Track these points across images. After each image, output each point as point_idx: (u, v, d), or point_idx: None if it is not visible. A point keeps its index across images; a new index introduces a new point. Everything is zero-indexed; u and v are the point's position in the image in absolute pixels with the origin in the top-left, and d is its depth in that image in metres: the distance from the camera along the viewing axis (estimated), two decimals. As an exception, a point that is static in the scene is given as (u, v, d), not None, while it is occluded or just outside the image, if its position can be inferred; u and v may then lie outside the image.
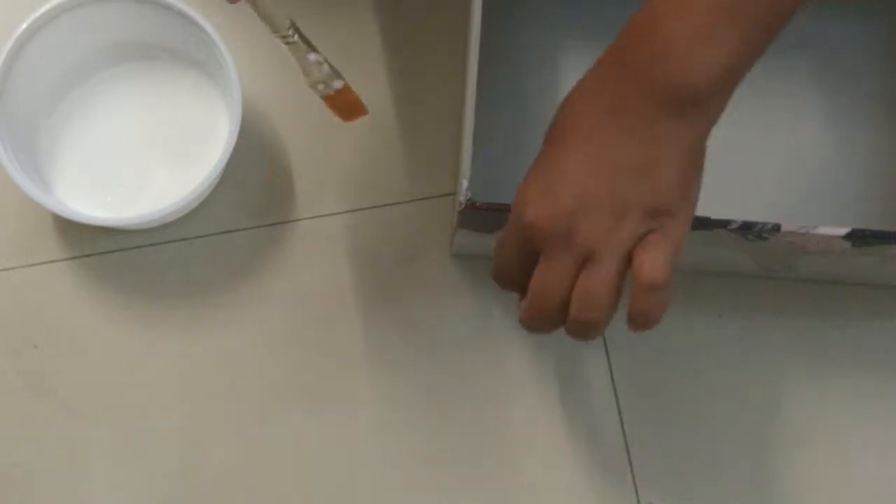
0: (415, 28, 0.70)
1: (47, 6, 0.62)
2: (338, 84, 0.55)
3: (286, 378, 0.65)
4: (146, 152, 0.67)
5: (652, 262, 0.44)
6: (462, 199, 0.53)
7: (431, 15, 0.70)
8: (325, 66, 0.55)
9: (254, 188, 0.68)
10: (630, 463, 0.64)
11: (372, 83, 0.69)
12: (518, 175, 0.48)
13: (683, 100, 0.43)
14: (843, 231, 0.53)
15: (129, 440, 0.64)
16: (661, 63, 0.43)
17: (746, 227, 0.53)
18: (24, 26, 0.61)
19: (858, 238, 0.53)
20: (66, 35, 0.63)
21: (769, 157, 0.67)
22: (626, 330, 0.62)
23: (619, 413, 0.65)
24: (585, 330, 0.47)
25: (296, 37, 0.53)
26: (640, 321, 0.46)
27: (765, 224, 0.53)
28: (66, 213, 0.61)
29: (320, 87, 0.56)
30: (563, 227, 0.45)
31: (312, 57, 0.54)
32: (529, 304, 0.47)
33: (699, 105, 0.44)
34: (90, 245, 0.66)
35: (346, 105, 0.58)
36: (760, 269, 0.64)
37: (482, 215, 0.54)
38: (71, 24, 0.63)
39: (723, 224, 0.53)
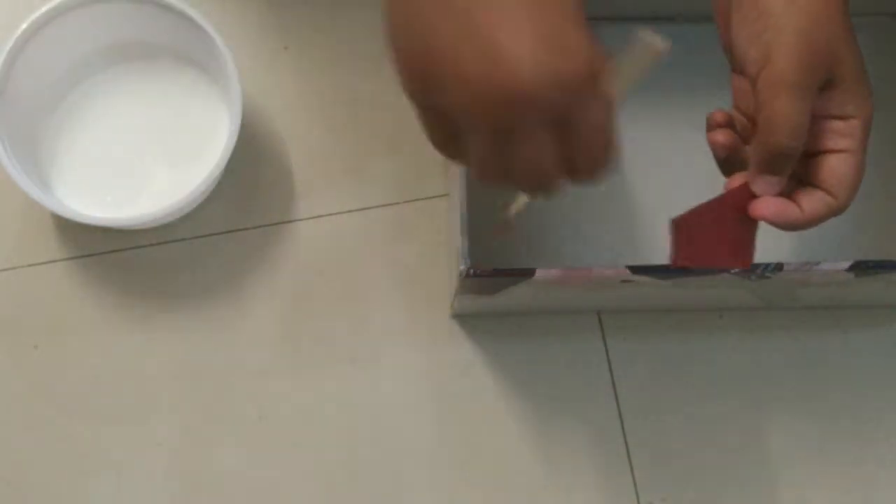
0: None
1: (47, 6, 0.62)
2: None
3: (286, 378, 0.65)
4: (146, 152, 0.67)
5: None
6: (462, 268, 0.53)
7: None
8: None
9: (254, 188, 0.68)
10: (630, 463, 0.64)
11: (372, 84, 0.69)
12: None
13: None
14: (845, 265, 0.53)
15: (128, 440, 0.64)
16: None
17: (749, 269, 0.53)
18: (24, 26, 0.61)
19: (862, 270, 0.53)
20: (66, 35, 0.63)
21: None
22: (627, 330, 0.62)
23: (620, 413, 0.65)
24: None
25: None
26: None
27: (767, 265, 0.53)
28: (66, 213, 0.61)
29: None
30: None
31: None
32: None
33: None
34: (90, 245, 0.66)
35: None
36: (762, 302, 0.64)
37: (482, 282, 0.54)
38: (71, 24, 0.63)
39: (725, 269, 0.53)
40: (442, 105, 0.37)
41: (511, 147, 0.37)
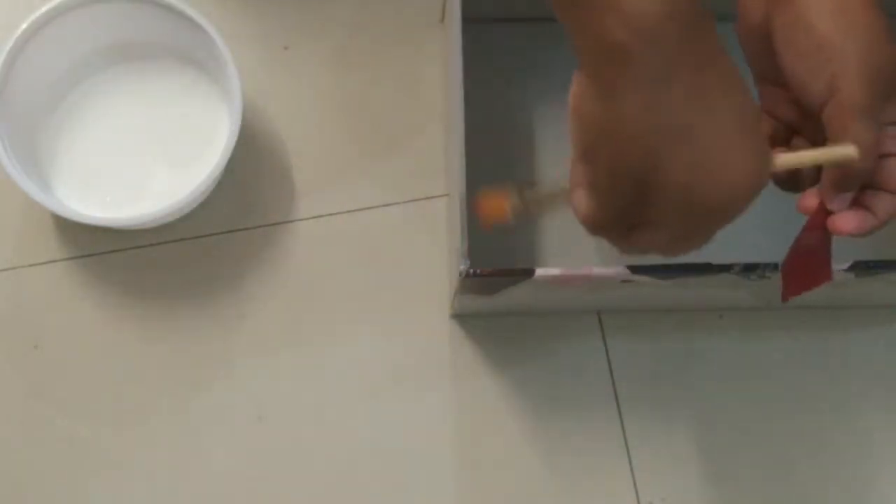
0: (415, 33, 0.70)
1: (47, 6, 0.62)
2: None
3: (286, 378, 0.65)
4: (146, 152, 0.67)
5: None
6: (462, 268, 0.53)
7: (431, 25, 0.70)
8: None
9: (254, 188, 0.68)
10: (630, 463, 0.64)
11: (372, 84, 0.69)
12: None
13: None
14: (845, 265, 0.53)
15: (128, 440, 0.64)
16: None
17: (749, 269, 0.53)
18: (24, 26, 0.61)
19: (861, 270, 0.53)
20: (66, 35, 0.63)
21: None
22: (627, 330, 0.62)
23: (620, 413, 0.65)
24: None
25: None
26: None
27: (767, 264, 0.53)
28: (66, 213, 0.61)
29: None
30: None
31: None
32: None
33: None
34: (90, 245, 0.66)
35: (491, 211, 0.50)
36: (762, 302, 0.64)
37: (482, 282, 0.54)
38: (71, 24, 0.63)
39: (725, 269, 0.53)
40: (660, 192, 0.41)
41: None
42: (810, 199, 0.48)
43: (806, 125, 0.48)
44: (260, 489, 0.63)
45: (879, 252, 0.65)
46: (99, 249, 0.66)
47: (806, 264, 0.49)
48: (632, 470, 0.64)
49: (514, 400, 0.65)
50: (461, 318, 0.66)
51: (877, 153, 0.45)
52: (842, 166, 0.45)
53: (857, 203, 0.47)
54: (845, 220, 0.47)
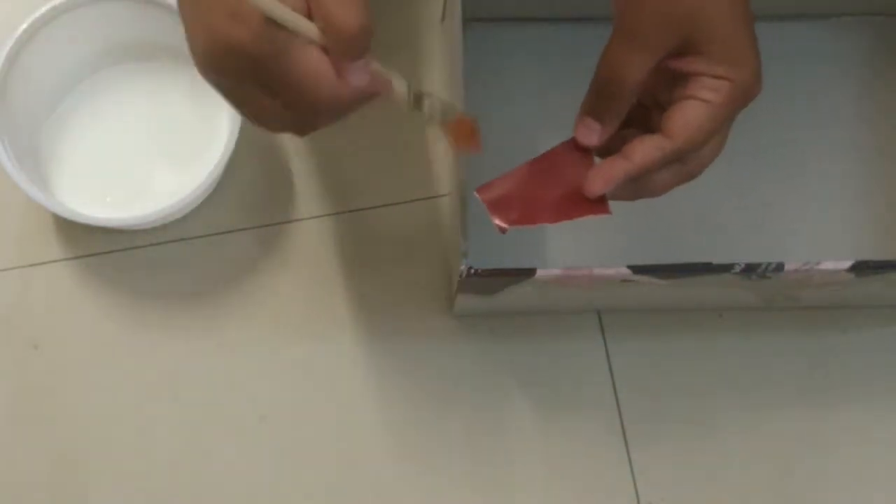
0: (415, 33, 0.70)
1: (47, 6, 0.62)
2: (451, 115, 0.48)
3: (286, 378, 0.65)
4: (146, 152, 0.67)
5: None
6: (462, 268, 0.53)
7: (431, 25, 0.71)
8: (438, 103, 0.48)
9: (254, 188, 0.68)
10: (630, 463, 0.64)
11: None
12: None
13: None
14: (846, 264, 0.53)
15: (128, 439, 0.64)
16: None
17: (750, 269, 0.53)
18: (24, 27, 0.61)
19: (862, 270, 0.53)
20: (66, 35, 0.63)
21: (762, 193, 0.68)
22: (627, 330, 0.62)
23: (620, 413, 0.65)
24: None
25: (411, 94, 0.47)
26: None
27: (768, 264, 0.53)
28: (66, 213, 0.61)
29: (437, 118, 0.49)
30: None
31: (427, 102, 0.48)
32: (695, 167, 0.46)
33: None
34: (90, 245, 0.66)
35: (460, 134, 0.49)
36: (762, 302, 0.64)
37: (482, 282, 0.54)
38: (71, 25, 0.63)
39: (726, 269, 0.53)
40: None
41: (235, 101, 0.43)
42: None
43: None
44: (260, 489, 0.63)
45: (882, 253, 0.66)
46: (99, 249, 0.66)
47: (542, 196, 0.48)
48: (632, 470, 0.64)
49: (515, 400, 0.65)
50: (461, 318, 0.66)
51: (627, 82, 0.44)
52: None
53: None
54: (592, 183, 0.46)
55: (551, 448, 0.64)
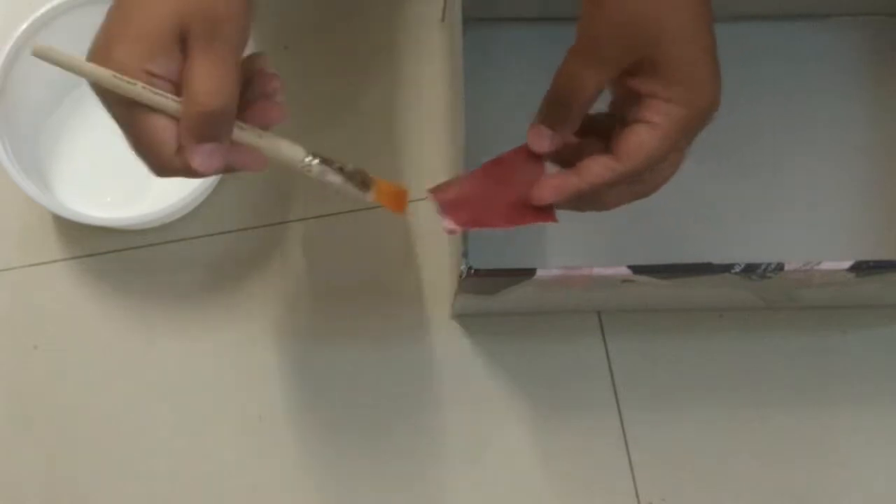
0: (415, 33, 0.70)
1: (47, 7, 0.62)
2: (368, 197, 0.49)
3: (286, 378, 0.65)
4: (146, 152, 0.67)
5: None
6: (462, 268, 0.53)
7: (431, 25, 0.71)
8: (350, 186, 0.49)
9: (254, 188, 0.68)
10: (630, 463, 0.64)
11: (372, 83, 0.69)
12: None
13: None
14: (846, 264, 0.53)
15: (129, 440, 0.64)
16: None
17: (750, 269, 0.53)
18: (24, 27, 0.61)
19: (862, 270, 0.53)
20: (66, 36, 0.63)
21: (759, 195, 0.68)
22: (627, 330, 0.62)
23: (619, 413, 0.65)
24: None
25: (314, 163, 0.48)
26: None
27: (769, 264, 0.53)
28: (66, 213, 0.61)
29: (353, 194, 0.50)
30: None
31: (335, 180, 0.49)
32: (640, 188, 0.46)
33: None
34: (90, 245, 0.66)
35: (389, 200, 0.50)
36: (762, 302, 0.64)
37: (482, 282, 0.54)
38: (71, 25, 0.63)
39: (726, 268, 0.53)
40: None
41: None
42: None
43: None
44: (260, 489, 0.63)
45: (882, 253, 0.66)
46: (99, 249, 0.66)
47: (493, 201, 0.48)
48: (632, 470, 0.64)
49: (515, 400, 0.65)
50: (461, 318, 0.66)
51: (573, 91, 0.45)
52: None
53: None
54: (540, 191, 0.46)
55: (551, 448, 0.64)
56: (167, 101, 0.42)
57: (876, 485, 0.64)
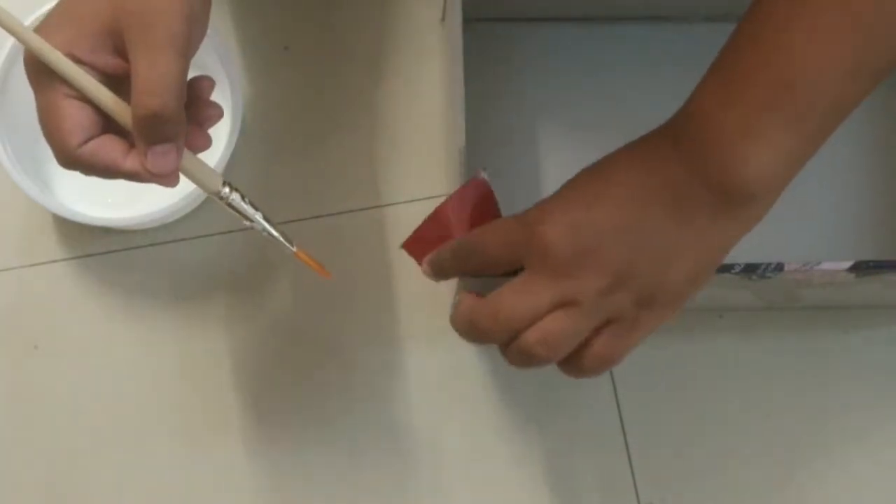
0: (415, 32, 0.71)
1: (47, 6, 0.62)
2: (288, 251, 0.51)
3: (286, 377, 0.65)
4: (146, 152, 0.67)
5: (608, 347, 0.44)
6: None
7: (431, 25, 0.71)
8: (272, 234, 0.51)
9: (253, 188, 0.67)
10: (630, 463, 0.64)
11: (373, 84, 0.69)
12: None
13: (733, 197, 0.42)
14: (846, 265, 0.53)
15: (129, 440, 0.64)
16: (713, 154, 0.42)
17: (750, 269, 0.53)
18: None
19: (862, 270, 0.53)
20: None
21: None
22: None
23: (620, 413, 0.65)
24: (528, 360, 0.45)
25: (232, 196, 0.49)
26: (574, 375, 0.46)
27: (768, 265, 0.53)
28: (66, 213, 0.61)
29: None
30: (570, 265, 0.43)
31: (248, 224, 0.50)
32: (486, 310, 0.46)
33: (746, 205, 0.43)
34: (90, 245, 0.66)
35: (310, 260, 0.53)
36: (762, 302, 0.64)
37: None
38: (71, 25, 0.63)
39: (726, 269, 0.53)
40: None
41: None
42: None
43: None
44: (261, 489, 0.63)
45: (882, 253, 0.65)
46: (99, 249, 0.66)
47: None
48: (632, 470, 0.64)
49: (514, 400, 0.65)
50: None
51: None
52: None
53: None
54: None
55: (551, 448, 0.64)
56: (86, 81, 0.42)
57: (876, 485, 0.64)
